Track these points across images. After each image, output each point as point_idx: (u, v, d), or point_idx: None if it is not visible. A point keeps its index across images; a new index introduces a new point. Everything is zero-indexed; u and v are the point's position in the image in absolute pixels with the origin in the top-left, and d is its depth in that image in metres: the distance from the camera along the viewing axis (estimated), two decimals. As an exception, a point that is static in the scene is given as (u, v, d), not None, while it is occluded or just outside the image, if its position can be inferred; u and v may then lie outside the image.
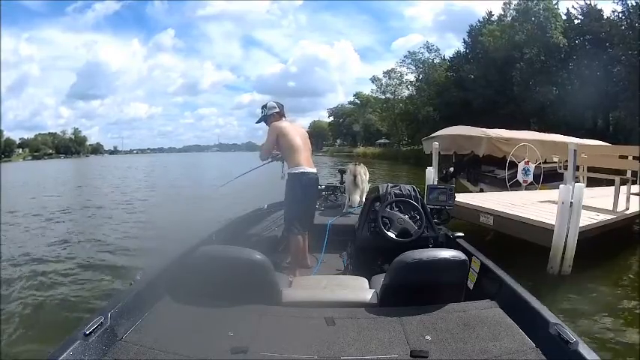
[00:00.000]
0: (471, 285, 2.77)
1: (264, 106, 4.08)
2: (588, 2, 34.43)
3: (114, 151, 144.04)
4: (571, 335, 1.71)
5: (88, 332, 1.72)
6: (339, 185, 5.60)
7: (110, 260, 6.63)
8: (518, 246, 5.84)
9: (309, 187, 3.94)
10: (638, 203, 7.09)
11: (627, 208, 6.81)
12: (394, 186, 3.75)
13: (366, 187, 5.10)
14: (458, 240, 3.40)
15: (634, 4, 30.90)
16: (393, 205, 3.60)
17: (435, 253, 2.29)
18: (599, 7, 33.92)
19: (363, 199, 4.91)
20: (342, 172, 5.60)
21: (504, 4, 40.99)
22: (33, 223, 10.54)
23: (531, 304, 2.05)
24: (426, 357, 1.74)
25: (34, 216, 11.62)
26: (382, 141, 67.82)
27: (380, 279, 2.51)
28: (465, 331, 1.94)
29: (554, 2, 36.59)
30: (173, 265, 2.64)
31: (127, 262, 6.43)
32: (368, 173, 5.25)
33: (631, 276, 5.62)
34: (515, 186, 10.10)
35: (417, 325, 2.00)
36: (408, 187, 3.76)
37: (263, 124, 4.10)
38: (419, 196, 3.68)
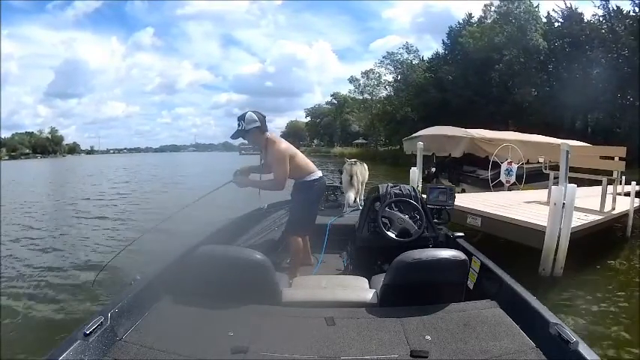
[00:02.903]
0: (471, 285, 2.81)
1: (241, 119, 3.48)
2: (569, 6, 35.36)
3: (90, 151, 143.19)
4: (571, 335, 1.72)
5: (88, 332, 1.74)
6: (339, 185, 5.60)
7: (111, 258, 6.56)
8: (506, 247, 5.85)
9: (322, 191, 4.02)
10: (630, 203, 7.36)
11: (614, 209, 7.02)
12: (394, 186, 3.75)
13: (362, 187, 5.19)
14: (458, 240, 3.44)
15: (615, 7, 31.94)
16: (393, 205, 3.60)
17: (435, 253, 2.31)
18: (579, 10, 34.97)
19: (359, 199, 5.03)
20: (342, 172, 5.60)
21: (485, 6, 41.88)
22: (33, 221, 10.59)
23: (531, 304, 2.07)
24: (426, 357, 1.75)
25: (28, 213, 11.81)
26: (359, 141, 68.20)
27: (380, 279, 2.52)
28: (465, 331, 1.95)
29: (535, 5, 37.47)
30: (173, 265, 2.67)
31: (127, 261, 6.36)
32: (367, 171, 5.32)
33: (621, 276, 5.77)
34: (498, 186, 10.25)
35: (417, 325, 2.01)
36: (408, 187, 3.78)
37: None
38: (419, 196, 3.69)
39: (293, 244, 3.76)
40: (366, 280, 2.82)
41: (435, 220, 3.70)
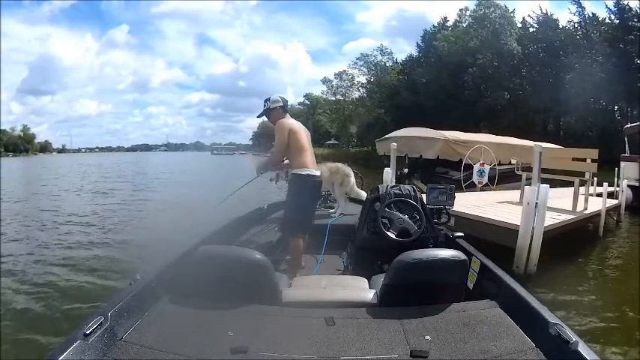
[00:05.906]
0: (470, 285, 2.85)
1: (267, 100, 3.94)
2: (544, 12, 36.38)
3: (62, 150, 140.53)
4: (571, 335, 1.74)
5: (88, 332, 1.76)
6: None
7: (112, 257, 6.67)
8: (479, 246, 5.88)
9: (314, 190, 3.96)
10: (602, 203, 7.64)
11: (586, 209, 7.26)
12: (394, 186, 3.80)
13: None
14: (458, 240, 3.49)
15: (590, 15, 33.07)
16: (393, 205, 3.63)
17: (435, 253, 2.35)
18: (555, 16, 36.12)
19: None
20: None
21: (460, 10, 42.69)
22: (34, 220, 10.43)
23: (531, 304, 2.09)
24: (426, 357, 1.76)
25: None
26: (331, 142, 68.25)
27: (380, 279, 2.54)
28: (465, 331, 1.98)
29: (511, 10, 38.38)
30: (173, 264, 2.70)
31: (127, 260, 6.44)
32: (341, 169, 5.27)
33: (592, 273, 6.03)
34: (470, 187, 10.47)
35: (417, 325, 2.04)
36: (408, 187, 3.80)
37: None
38: (419, 196, 3.72)
39: (291, 244, 3.78)
40: (366, 280, 2.85)
41: (435, 221, 3.74)
